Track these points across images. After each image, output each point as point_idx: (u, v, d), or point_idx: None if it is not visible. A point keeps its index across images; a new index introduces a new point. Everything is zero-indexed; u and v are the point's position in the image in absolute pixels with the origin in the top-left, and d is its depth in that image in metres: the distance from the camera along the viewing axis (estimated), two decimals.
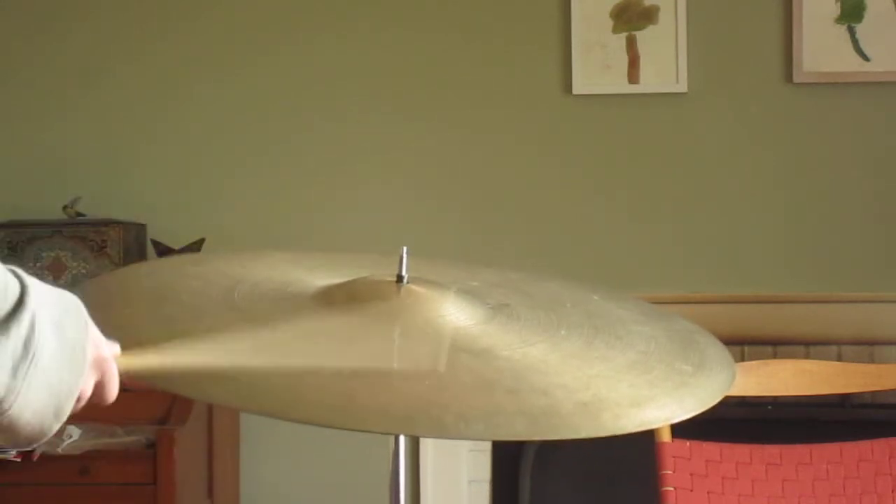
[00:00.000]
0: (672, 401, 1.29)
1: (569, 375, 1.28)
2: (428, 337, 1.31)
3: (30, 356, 0.93)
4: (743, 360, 2.91)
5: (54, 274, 3.08)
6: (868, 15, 3.23)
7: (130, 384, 1.10)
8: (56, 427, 0.99)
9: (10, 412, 0.94)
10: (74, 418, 2.92)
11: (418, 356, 1.20)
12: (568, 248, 3.31)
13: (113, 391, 1.06)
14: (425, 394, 1.19)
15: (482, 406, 1.19)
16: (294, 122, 3.39)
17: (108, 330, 1.08)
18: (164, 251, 3.19)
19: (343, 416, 1.17)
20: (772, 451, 2.50)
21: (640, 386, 1.29)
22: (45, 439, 1.00)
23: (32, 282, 0.96)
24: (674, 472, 2.43)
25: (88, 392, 1.03)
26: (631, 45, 3.28)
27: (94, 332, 1.03)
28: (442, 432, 1.16)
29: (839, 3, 3.23)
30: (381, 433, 1.16)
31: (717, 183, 3.30)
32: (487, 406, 1.19)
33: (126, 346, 1.12)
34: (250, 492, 3.39)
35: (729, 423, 2.50)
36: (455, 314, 1.37)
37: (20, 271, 0.96)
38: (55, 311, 0.97)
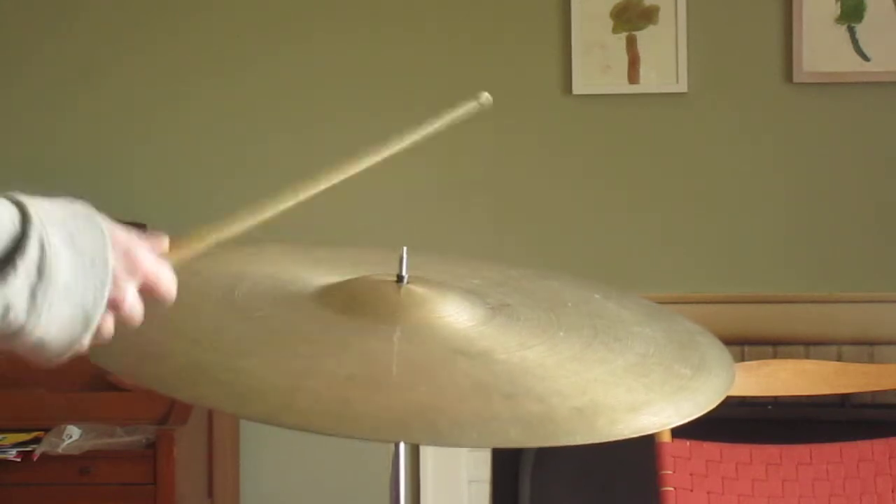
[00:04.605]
0: (669, 406, 1.28)
1: (565, 380, 1.28)
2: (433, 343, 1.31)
3: (45, 278, 0.94)
4: (743, 360, 2.91)
5: None
6: (868, 15, 3.23)
7: (131, 384, 1.10)
8: (88, 336, 1.00)
9: (36, 332, 0.96)
10: (76, 418, 2.90)
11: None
12: (567, 248, 3.31)
13: (167, 285, 1.06)
14: (420, 399, 1.18)
15: (477, 412, 1.19)
16: (294, 121, 3.39)
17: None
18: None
19: (337, 422, 1.16)
20: (772, 451, 2.50)
21: (638, 390, 1.29)
22: (78, 349, 1.01)
23: (35, 202, 0.97)
24: (674, 472, 2.43)
25: (127, 296, 1.02)
26: (631, 45, 3.28)
27: (120, 237, 1.03)
28: (436, 439, 1.15)
29: (839, 3, 3.23)
30: (375, 440, 1.16)
31: (717, 183, 3.30)
32: (483, 412, 1.19)
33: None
34: (250, 492, 3.39)
35: (729, 423, 2.49)
36: (455, 315, 1.37)
37: (20, 196, 0.97)
38: (66, 226, 0.98)
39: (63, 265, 0.96)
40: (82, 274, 0.97)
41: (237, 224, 1.17)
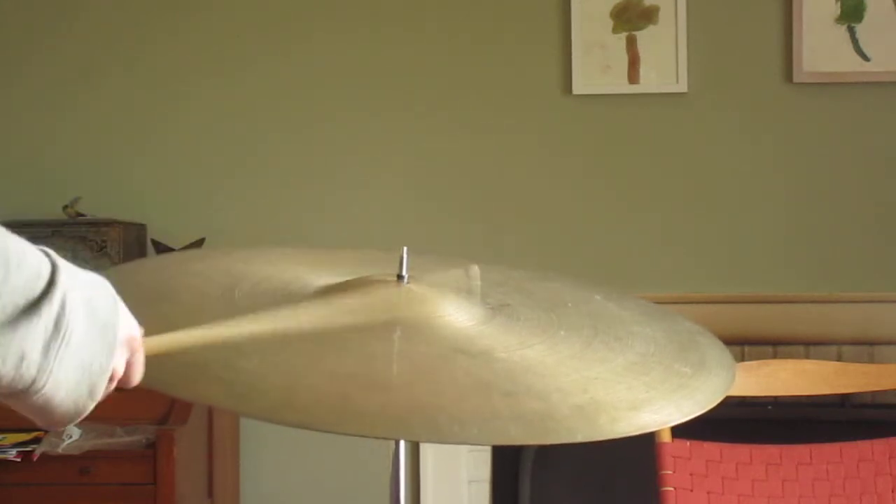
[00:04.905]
0: (669, 404, 1.28)
1: (566, 378, 1.28)
2: (433, 343, 1.30)
3: (61, 335, 0.94)
4: (743, 360, 2.91)
5: None
6: (868, 15, 3.23)
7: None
8: (91, 406, 1.01)
9: (43, 391, 0.95)
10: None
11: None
12: (567, 248, 3.31)
13: (140, 371, 1.07)
14: (420, 397, 1.18)
15: (478, 409, 1.19)
16: (294, 121, 3.39)
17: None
18: (163, 251, 3.18)
19: (337, 420, 1.16)
20: (772, 451, 2.50)
21: (638, 388, 1.29)
22: (79, 418, 1.01)
23: (62, 262, 0.97)
24: (674, 472, 2.43)
25: (121, 371, 1.04)
26: (631, 45, 3.28)
27: (125, 311, 1.04)
28: (436, 436, 1.15)
29: (839, 3, 3.23)
30: (375, 437, 1.16)
31: (717, 183, 3.30)
32: (483, 409, 1.19)
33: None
34: (250, 492, 3.39)
35: (729, 423, 2.49)
36: (455, 314, 1.37)
37: (51, 252, 0.97)
38: (86, 290, 0.98)
39: (80, 326, 0.96)
40: (94, 340, 0.98)
41: (210, 333, 1.17)
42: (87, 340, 0.97)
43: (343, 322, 1.35)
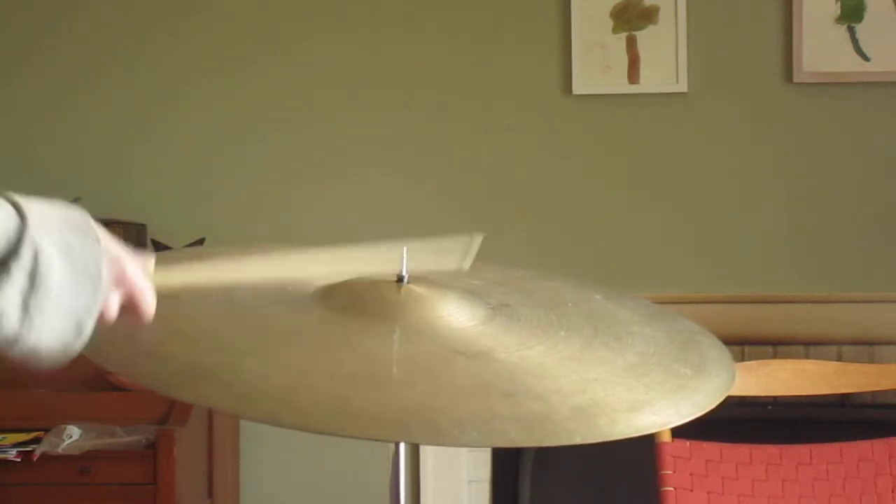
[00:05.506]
0: (669, 405, 1.28)
1: (566, 379, 1.28)
2: (432, 344, 1.30)
3: (37, 287, 0.95)
4: (743, 360, 2.90)
5: None
6: (868, 15, 3.23)
7: (130, 384, 1.10)
8: (80, 344, 1.01)
9: (28, 341, 0.96)
10: (76, 418, 2.91)
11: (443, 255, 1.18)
12: (567, 248, 3.31)
13: (148, 304, 1.07)
14: (420, 398, 1.18)
15: (477, 411, 1.19)
16: (293, 121, 3.39)
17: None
18: (163, 251, 3.19)
19: (336, 422, 1.16)
20: (772, 451, 2.50)
21: (638, 389, 1.29)
22: (71, 357, 1.02)
23: (33, 207, 0.97)
24: (674, 472, 2.43)
25: (114, 307, 1.03)
26: (631, 45, 3.28)
27: (112, 248, 1.03)
28: (436, 438, 1.15)
29: (839, 3, 3.23)
30: (375, 440, 1.15)
31: (717, 183, 3.30)
32: (482, 411, 1.19)
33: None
34: (250, 492, 3.39)
35: (729, 423, 2.49)
36: (455, 315, 1.37)
37: (19, 198, 0.97)
38: (61, 234, 0.98)
39: (56, 273, 0.96)
40: (75, 282, 0.97)
41: (226, 265, 1.16)
42: (67, 286, 0.97)
43: (343, 323, 1.35)
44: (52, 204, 1.01)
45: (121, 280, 1.04)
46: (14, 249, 0.93)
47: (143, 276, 1.07)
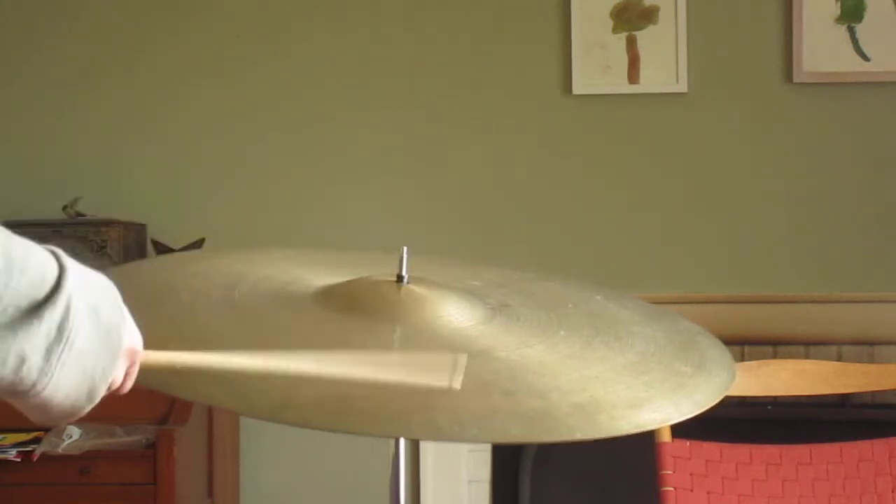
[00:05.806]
0: (669, 403, 1.28)
1: (566, 377, 1.28)
2: (433, 343, 1.30)
3: (64, 339, 0.94)
4: (743, 360, 2.91)
5: None
6: (868, 15, 3.23)
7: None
8: (88, 408, 1.01)
9: (43, 393, 0.95)
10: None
11: (431, 372, 1.18)
12: (568, 248, 3.31)
13: (131, 381, 1.07)
14: (420, 396, 1.18)
15: (477, 408, 1.19)
16: (294, 121, 3.39)
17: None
18: (163, 251, 3.18)
19: (337, 419, 1.16)
20: (772, 451, 2.50)
21: (638, 387, 1.29)
22: (76, 418, 1.01)
23: (70, 264, 0.97)
24: (674, 472, 2.43)
25: (121, 378, 1.04)
26: (631, 45, 3.28)
27: (129, 319, 1.04)
28: (436, 435, 1.15)
29: (839, 3, 3.23)
30: (376, 436, 1.15)
31: (717, 183, 3.30)
32: (483, 408, 1.19)
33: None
34: (250, 492, 3.39)
35: (729, 423, 2.49)
36: (455, 315, 1.37)
37: (60, 252, 0.97)
38: (93, 294, 0.98)
39: (83, 331, 0.96)
40: (98, 344, 0.98)
41: (210, 359, 1.15)
42: (90, 346, 0.97)
43: (343, 322, 1.35)
44: (86, 267, 1.00)
45: (131, 353, 1.04)
46: (50, 297, 0.93)
47: (140, 352, 1.07)
